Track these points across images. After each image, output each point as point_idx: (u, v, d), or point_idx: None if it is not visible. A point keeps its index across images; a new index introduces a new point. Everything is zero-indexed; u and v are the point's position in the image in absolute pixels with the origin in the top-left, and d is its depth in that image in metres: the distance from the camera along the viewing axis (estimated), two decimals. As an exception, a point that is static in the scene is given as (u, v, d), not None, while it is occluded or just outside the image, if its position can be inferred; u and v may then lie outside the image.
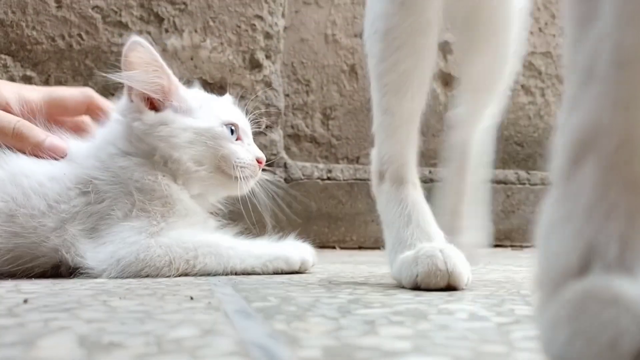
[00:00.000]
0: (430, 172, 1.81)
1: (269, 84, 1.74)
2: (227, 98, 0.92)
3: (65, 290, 0.57)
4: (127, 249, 0.71)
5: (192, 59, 1.59)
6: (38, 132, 0.78)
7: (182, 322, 0.38)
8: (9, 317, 0.40)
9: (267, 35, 1.69)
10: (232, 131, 0.81)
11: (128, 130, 0.78)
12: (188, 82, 0.88)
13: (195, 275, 0.73)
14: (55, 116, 0.84)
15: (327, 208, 1.67)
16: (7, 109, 0.79)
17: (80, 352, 0.29)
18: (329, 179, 1.71)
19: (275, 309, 0.44)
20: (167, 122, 0.78)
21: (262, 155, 0.84)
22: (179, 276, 0.72)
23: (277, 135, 1.70)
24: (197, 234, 0.76)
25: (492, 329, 0.37)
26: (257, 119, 0.91)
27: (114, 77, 0.76)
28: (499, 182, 1.88)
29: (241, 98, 1.70)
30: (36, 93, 0.84)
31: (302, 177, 1.67)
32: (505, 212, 1.85)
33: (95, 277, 0.70)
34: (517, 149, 1.99)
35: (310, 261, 0.81)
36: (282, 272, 0.78)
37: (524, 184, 1.91)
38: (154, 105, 0.79)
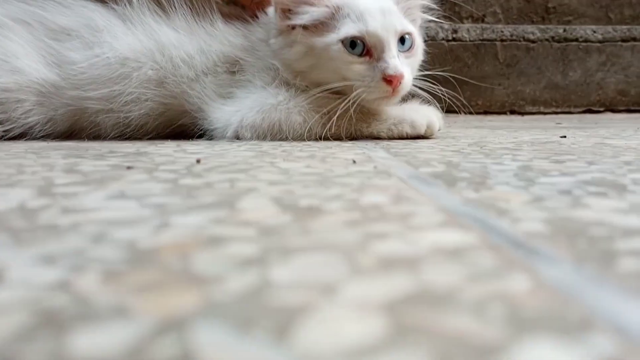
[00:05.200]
0: (564, 30, 1.66)
1: None
2: None
3: (227, 151, 0.58)
4: (264, 112, 0.70)
5: None
6: None
7: (364, 187, 0.37)
8: (194, 177, 0.40)
9: None
10: (354, 44, 0.70)
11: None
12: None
13: (327, 139, 0.72)
14: None
15: (452, 71, 1.59)
16: None
17: (286, 216, 0.29)
18: (454, 40, 1.61)
19: (448, 176, 0.42)
20: (291, 44, 0.73)
21: (392, 72, 0.69)
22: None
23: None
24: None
25: None
26: None
27: None
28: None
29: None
30: None
31: (426, 39, 1.58)
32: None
33: (223, 133, 0.72)
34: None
35: (436, 125, 0.77)
36: (408, 137, 0.74)
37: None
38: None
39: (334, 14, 0.72)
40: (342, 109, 0.69)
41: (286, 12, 0.73)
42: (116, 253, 0.22)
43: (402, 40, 0.73)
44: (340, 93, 0.71)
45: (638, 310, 0.17)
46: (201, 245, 0.23)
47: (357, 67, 0.71)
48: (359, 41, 0.70)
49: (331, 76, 0.72)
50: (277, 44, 0.74)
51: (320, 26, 0.72)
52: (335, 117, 0.70)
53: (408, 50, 0.74)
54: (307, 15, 0.72)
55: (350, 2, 0.73)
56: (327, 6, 0.72)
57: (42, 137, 0.73)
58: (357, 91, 0.69)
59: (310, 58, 0.72)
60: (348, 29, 0.70)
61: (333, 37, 0.71)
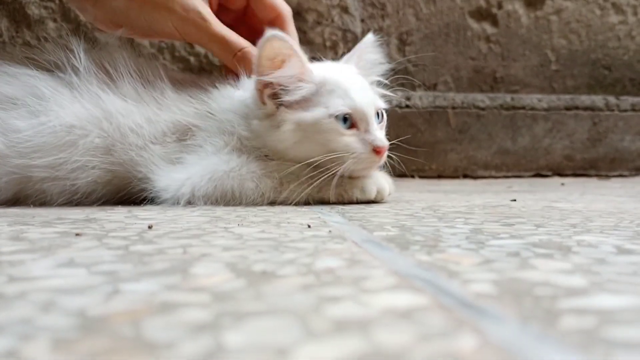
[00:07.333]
0: (512, 99, 1.74)
1: (345, 9, 1.68)
2: (350, 68, 0.81)
3: (180, 216, 0.57)
4: (216, 181, 0.70)
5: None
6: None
7: (318, 251, 0.37)
8: (146, 243, 0.40)
9: (344, -44, 1.62)
10: (344, 119, 0.73)
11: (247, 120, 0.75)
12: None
13: (280, 204, 0.72)
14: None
15: (406, 136, 1.62)
16: None
17: (240, 281, 0.29)
18: (407, 106, 1.66)
19: (402, 239, 0.43)
20: (279, 125, 0.73)
21: (380, 143, 0.74)
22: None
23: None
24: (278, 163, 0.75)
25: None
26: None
27: (259, 78, 0.73)
28: (585, 108, 1.78)
29: (317, 24, 1.67)
30: None
31: (380, 105, 1.62)
32: (591, 140, 1.77)
33: (174, 203, 0.71)
34: (605, 73, 1.87)
35: (387, 190, 0.78)
36: (358, 201, 0.76)
37: (613, 110, 1.81)
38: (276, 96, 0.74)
39: (317, 89, 0.74)
40: (326, 180, 0.72)
41: (274, 95, 0.74)
42: (66, 321, 0.22)
43: (376, 114, 0.77)
44: (318, 165, 0.73)
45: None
46: (153, 312, 0.23)
47: (348, 139, 0.73)
48: (347, 115, 0.73)
49: (318, 149, 0.73)
50: (263, 127, 0.74)
51: (303, 102, 0.74)
52: (285, 183, 0.72)
53: (381, 123, 0.78)
54: (298, 92, 0.73)
55: (333, 78, 0.75)
56: (313, 82, 0.74)
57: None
58: (348, 162, 0.72)
59: (298, 133, 0.73)
60: (338, 105, 0.73)
61: (323, 112, 0.73)
